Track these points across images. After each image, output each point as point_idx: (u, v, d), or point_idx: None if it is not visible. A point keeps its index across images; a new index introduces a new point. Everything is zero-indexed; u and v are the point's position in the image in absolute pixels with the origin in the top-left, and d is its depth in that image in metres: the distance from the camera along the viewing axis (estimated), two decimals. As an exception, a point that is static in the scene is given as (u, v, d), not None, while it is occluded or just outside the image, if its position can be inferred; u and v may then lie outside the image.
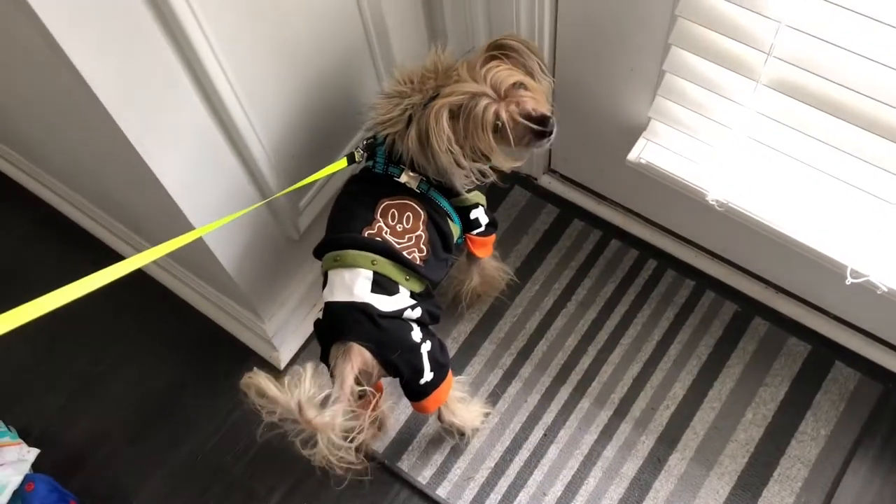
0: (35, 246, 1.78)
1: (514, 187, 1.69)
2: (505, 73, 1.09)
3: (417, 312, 1.18)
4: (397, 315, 1.16)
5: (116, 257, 1.71)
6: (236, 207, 1.24)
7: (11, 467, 1.33)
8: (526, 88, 1.10)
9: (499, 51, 1.12)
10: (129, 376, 1.60)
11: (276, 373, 1.51)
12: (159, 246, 0.93)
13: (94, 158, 1.26)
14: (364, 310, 1.12)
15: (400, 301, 1.16)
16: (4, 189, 1.85)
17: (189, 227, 1.18)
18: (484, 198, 1.30)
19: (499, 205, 1.67)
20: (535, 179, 1.69)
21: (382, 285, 1.14)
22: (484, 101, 1.08)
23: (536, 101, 1.11)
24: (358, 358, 1.12)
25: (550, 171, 1.68)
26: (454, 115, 1.10)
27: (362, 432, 1.10)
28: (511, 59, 1.12)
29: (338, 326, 1.13)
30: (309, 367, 1.06)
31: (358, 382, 1.11)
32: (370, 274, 1.14)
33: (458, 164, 1.12)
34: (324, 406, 1.04)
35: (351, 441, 1.07)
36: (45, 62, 0.94)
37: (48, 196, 1.81)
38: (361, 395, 1.13)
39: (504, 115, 1.09)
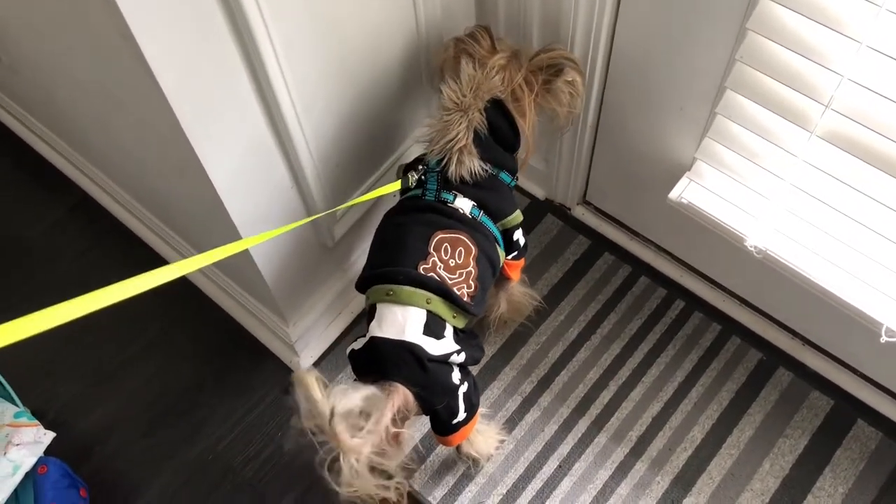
0: (67, 232, 1.79)
1: (546, 215, 1.69)
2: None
3: (462, 357, 1.16)
4: (444, 360, 1.13)
5: (146, 248, 1.74)
6: (278, 209, 1.25)
7: (27, 448, 1.32)
8: None
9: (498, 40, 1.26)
10: (149, 369, 1.60)
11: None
12: (206, 253, 0.93)
13: (142, 149, 1.27)
14: (413, 351, 1.09)
15: (447, 345, 1.13)
16: (43, 172, 1.86)
17: (230, 224, 1.19)
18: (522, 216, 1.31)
19: (530, 232, 1.67)
20: (569, 210, 1.69)
21: (432, 327, 1.12)
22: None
23: None
24: (401, 398, 1.08)
25: (585, 202, 1.68)
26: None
27: (387, 464, 1.07)
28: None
29: (385, 365, 1.10)
30: (368, 388, 1.03)
31: (394, 422, 1.08)
32: (424, 314, 1.11)
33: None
34: (357, 430, 1.01)
35: (380, 468, 1.04)
36: (112, 48, 0.95)
37: (85, 183, 1.82)
38: (395, 435, 1.10)
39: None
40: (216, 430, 1.53)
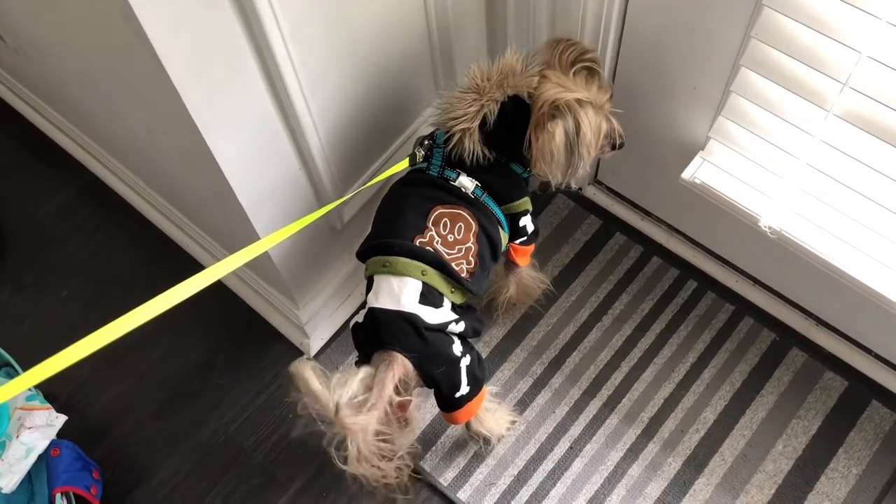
0: (76, 214, 1.79)
1: (557, 195, 1.68)
2: (602, 91, 1.15)
3: (461, 327, 1.16)
4: (441, 328, 1.14)
5: (155, 230, 1.74)
6: (287, 193, 1.24)
7: (39, 431, 1.33)
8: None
9: (585, 63, 1.15)
10: (159, 351, 1.60)
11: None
12: (232, 256, 0.94)
13: (150, 132, 1.26)
14: (410, 320, 1.10)
15: (444, 314, 1.14)
16: (51, 155, 1.86)
17: (238, 208, 1.18)
18: (531, 204, 1.28)
19: (541, 212, 1.66)
20: (580, 189, 1.67)
21: (429, 297, 1.12)
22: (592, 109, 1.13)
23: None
24: (400, 368, 1.09)
25: (596, 182, 1.66)
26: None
27: (395, 444, 1.09)
28: (597, 76, 1.16)
29: (382, 335, 1.11)
30: (363, 370, 1.05)
31: (397, 391, 1.09)
32: (419, 285, 1.12)
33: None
34: (360, 410, 1.02)
35: (383, 453, 1.06)
36: (117, 32, 0.93)
37: (93, 165, 1.81)
38: (400, 406, 1.12)
39: (614, 126, 1.16)
40: (227, 411, 1.53)
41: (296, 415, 1.03)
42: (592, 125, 1.12)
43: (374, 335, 1.11)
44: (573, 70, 1.14)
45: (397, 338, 1.09)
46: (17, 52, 1.49)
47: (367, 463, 1.04)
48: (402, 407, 1.11)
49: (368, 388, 1.05)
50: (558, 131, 1.11)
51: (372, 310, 1.13)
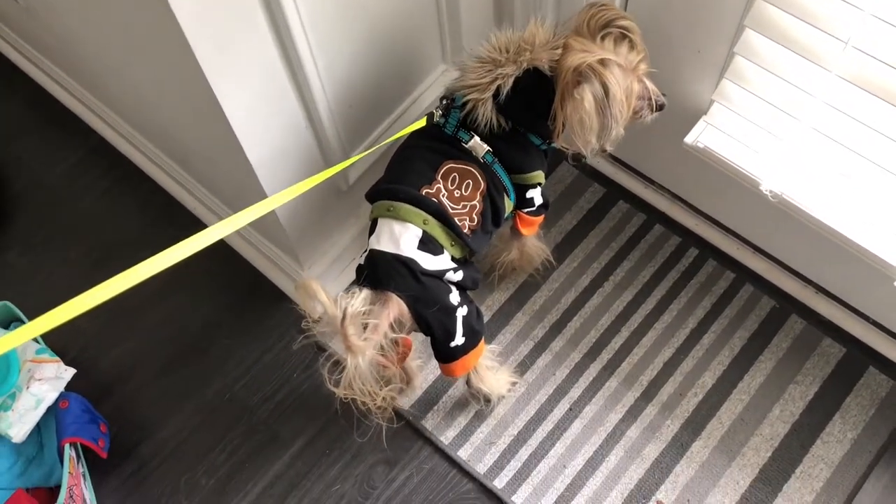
0: (84, 176, 1.80)
1: (561, 163, 1.69)
2: (634, 53, 1.11)
3: (459, 276, 1.19)
4: (439, 275, 1.17)
5: (163, 192, 1.75)
6: (294, 150, 1.26)
7: (48, 383, 1.35)
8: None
9: (612, 29, 1.11)
10: (167, 310, 1.62)
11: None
12: (239, 213, 0.96)
13: (159, 90, 1.27)
14: (407, 264, 1.14)
15: (443, 262, 1.17)
16: (59, 116, 1.87)
17: (246, 164, 1.19)
18: (544, 177, 1.28)
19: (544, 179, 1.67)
20: (583, 157, 1.68)
21: (428, 245, 1.16)
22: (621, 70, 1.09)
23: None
24: (395, 307, 1.13)
25: (600, 149, 1.67)
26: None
27: (389, 380, 1.14)
28: (628, 39, 1.12)
29: (379, 276, 1.14)
30: (364, 290, 1.10)
31: (392, 330, 1.13)
32: (419, 232, 1.15)
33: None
34: (362, 332, 1.07)
35: (378, 381, 1.11)
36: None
37: (102, 127, 1.83)
38: (394, 342, 1.16)
39: (648, 88, 1.13)
40: (233, 370, 1.55)
41: (293, 336, 1.07)
42: (621, 84, 1.08)
43: (371, 276, 1.15)
44: (601, 35, 1.10)
45: (393, 279, 1.13)
46: (28, 10, 1.50)
47: (360, 385, 1.09)
48: (402, 346, 1.14)
49: (372, 304, 1.10)
50: (586, 96, 1.08)
51: (372, 251, 1.16)
